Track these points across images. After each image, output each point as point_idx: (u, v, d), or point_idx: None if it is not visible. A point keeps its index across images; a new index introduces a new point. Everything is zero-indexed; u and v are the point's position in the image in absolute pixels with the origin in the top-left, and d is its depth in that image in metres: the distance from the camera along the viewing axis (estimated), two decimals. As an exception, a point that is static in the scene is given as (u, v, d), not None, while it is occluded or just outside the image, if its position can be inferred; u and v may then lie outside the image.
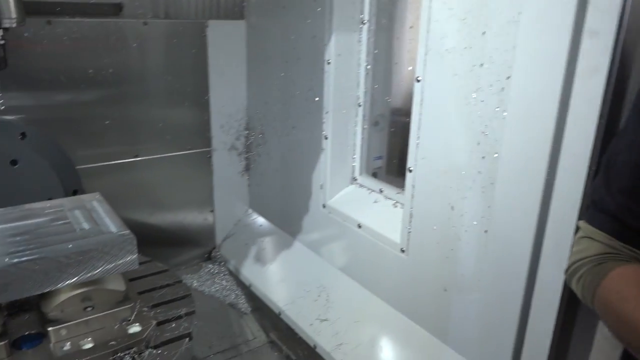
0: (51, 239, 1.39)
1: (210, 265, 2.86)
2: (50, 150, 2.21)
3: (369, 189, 2.23)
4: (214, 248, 2.92)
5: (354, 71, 2.14)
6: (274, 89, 2.50)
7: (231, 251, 2.86)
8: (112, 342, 1.35)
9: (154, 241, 2.67)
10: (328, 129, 2.17)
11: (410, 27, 2.11)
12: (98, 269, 1.37)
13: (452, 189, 1.60)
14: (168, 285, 1.70)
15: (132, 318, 1.45)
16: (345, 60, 2.10)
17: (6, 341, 1.28)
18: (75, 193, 2.30)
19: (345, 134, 2.20)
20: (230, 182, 2.85)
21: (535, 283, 1.42)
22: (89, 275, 1.36)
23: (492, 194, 1.46)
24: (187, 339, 1.46)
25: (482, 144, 1.47)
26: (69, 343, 1.34)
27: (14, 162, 2.07)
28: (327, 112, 2.16)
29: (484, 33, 1.41)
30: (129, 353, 1.35)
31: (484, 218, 1.50)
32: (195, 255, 2.88)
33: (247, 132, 2.79)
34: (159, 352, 1.39)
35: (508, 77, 1.36)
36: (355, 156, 2.26)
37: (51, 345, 1.33)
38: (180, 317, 1.54)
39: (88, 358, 1.30)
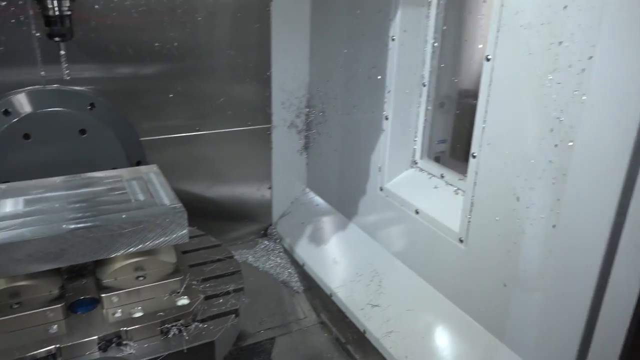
0: (107, 208, 1.43)
1: (266, 242, 2.88)
2: (117, 121, 2.27)
3: (429, 173, 2.13)
4: (270, 225, 2.93)
5: (420, 48, 2.02)
6: (336, 66, 2.44)
7: (287, 229, 2.85)
8: (161, 313, 1.37)
9: (211, 215, 2.72)
10: (389, 109, 2.09)
11: (484, 1, 1.97)
12: (149, 240, 1.38)
13: (518, 178, 1.47)
14: (219, 260, 1.71)
15: (181, 290, 1.46)
16: (411, 37, 1.99)
17: (63, 304, 1.33)
18: (138, 164, 2.36)
19: (407, 115, 2.11)
20: (288, 160, 2.83)
21: (607, 285, 1.29)
22: (140, 246, 1.38)
23: (563, 185, 1.33)
24: (234, 316, 1.46)
25: (555, 130, 1.34)
26: (120, 310, 1.37)
27: (82, 132, 2.14)
28: (389, 92, 2.07)
29: (565, 7, 1.27)
30: (176, 325, 1.36)
31: (553, 211, 1.37)
32: (251, 231, 2.90)
33: (307, 109, 2.75)
34: (205, 326, 1.40)
35: (590, 57, 1.22)
36: (416, 139, 2.16)
37: (104, 311, 1.37)
38: (228, 292, 1.54)
39: (137, 326, 1.32)
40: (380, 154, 2.19)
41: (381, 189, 2.22)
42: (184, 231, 1.43)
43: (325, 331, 2.44)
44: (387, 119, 2.10)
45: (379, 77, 2.10)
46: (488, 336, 1.69)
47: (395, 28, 1.97)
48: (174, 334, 1.35)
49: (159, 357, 1.28)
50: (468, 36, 2.03)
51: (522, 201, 1.47)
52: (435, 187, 2.06)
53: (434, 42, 2.00)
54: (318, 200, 2.83)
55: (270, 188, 2.85)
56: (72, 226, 1.30)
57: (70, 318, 1.34)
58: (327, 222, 2.68)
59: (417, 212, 2.01)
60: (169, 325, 1.35)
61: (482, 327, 1.72)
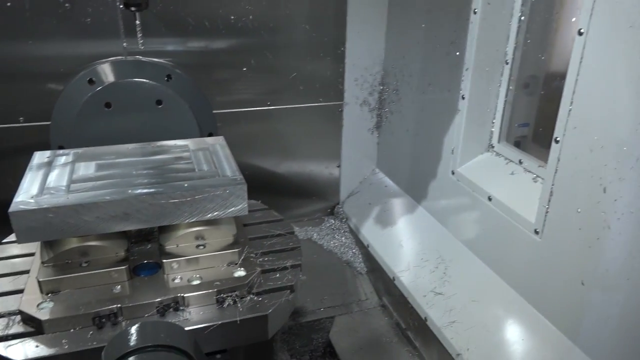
0: (172, 176, 1.45)
1: (332, 221, 2.85)
2: (192, 93, 2.32)
3: (506, 158, 1.99)
4: (337, 204, 2.90)
5: (505, 23, 1.87)
6: (413, 41, 2.32)
7: (354, 209, 2.81)
8: (217, 283, 1.38)
9: (279, 191, 2.73)
10: (466, 88, 1.96)
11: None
12: (209, 211, 1.40)
13: (607, 167, 1.32)
14: (280, 235, 1.70)
15: (239, 262, 1.47)
16: (495, 10, 1.84)
17: (127, 266, 1.38)
18: (209, 136, 2.40)
19: (485, 95, 1.97)
20: (359, 138, 2.77)
21: None
22: (199, 215, 1.40)
23: (660, 178, 1.17)
24: (289, 291, 1.45)
25: (655, 114, 1.18)
26: (179, 276, 1.40)
27: (159, 102, 2.21)
28: (467, 69, 1.94)
29: (678, -29, 1.10)
30: (231, 295, 1.37)
31: (645, 206, 1.22)
32: (318, 208, 2.89)
33: (381, 87, 2.67)
34: (260, 299, 1.40)
35: None
36: (494, 120, 2.02)
37: (165, 276, 1.41)
38: (285, 268, 1.53)
39: (194, 294, 1.35)
40: (454, 135, 2.07)
41: (453, 173, 2.11)
42: (243, 204, 1.43)
43: (385, 315, 2.39)
44: (463, 98, 1.98)
45: (457, 53, 1.97)
46: (559, 336, 1.56)
47: (478, 0, 1.83)
48: (229, 304, 1.36)
49: (212, 325, 1.29)
50: (560, 8, 1.84)
51: (609, 193, 1.32)
52: (512, 174, 1.92)
53: (521, 16, 1.84)
54: (387, 181, 2.75)
55: (339, 166, 2.81)
56: (137, 191, 1.34)
57: (133, 280, 1.39)
58: (394, 204, 2.60)
59: (489, 199, 1.89)
60: (225, 295, 1.37)
61: (553, 325, 1.59)
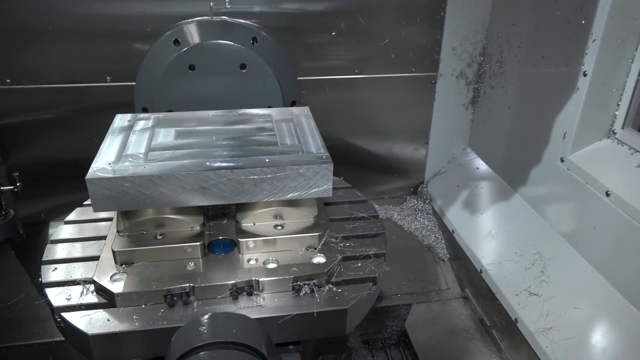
0: (252, 149, 1.34)
1: (415, 201, 2.67)
2: (277, 58, 2.20)
3: (630, 147, 1.70)
4: (421, 183, 2.71)
5: (647, -14, 1.56)
6: (526, 6, 2.04)
7: (439, 190, 2.61)
8: (294, 269, 1.27)
9: (360, 164, 2.58)
10: (590, 62, 1.68)
11: None
12: (290, 190, 1.28)
13: None
14: (363, 218, 1.56)
15: (319, 247, 1.35)
16: (638, -30, 1.54)
17: (202, 242, 1.30)
18: (293, 104, 2.29)
19: (613, 72, 1.68)
20: (451, 114, 2.53)
21: None
22: (280, 194, 1.28)
23: None
24: (371, 284, 1.31)
25: None
26: (255, 258, 1.31)
27: (243, 66, 2.11)
28: (593, 41, 1.65)
29: None
30: (308, 284, 1.26)
31: None
32: (400, 186, 2.71)
33: (482, 58, 2.40)
34: (339, 290, 1.28)
35: None
36: (620, 102, 1.73)
37: (240, 255, 1.32)
38: (368, 256, 1.39)
39: (270, 278, 1.25)
40: (568, 117, 1.81)
41: (562, 160, 1.85)
42: (328, 184, 1.29)
43: (468, 308, 2.21)
44: (585, 75, 1.70)
45: (583, 21, 1.68)
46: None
47: (617, -43, 1.53)
48: (305, 293, 1.25)
49: (287, 316, 1.19)
50: None
51: None
52: (638, 166, 1.64)
53: (670, -22, 1.52)
54: (479, 162, 2.51)
55: (426, 143, 2.60)
56: (216, 165, 1.24)
57: (207, 257, 1.32)
58: (486, 189, 2.37)
59: (607, 194, 1.63)
60: (302, 283, 1.26)
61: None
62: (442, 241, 2.46)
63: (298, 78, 2.28)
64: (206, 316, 0.94)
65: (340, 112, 2.45)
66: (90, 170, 1.21)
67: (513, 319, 1.84)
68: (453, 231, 2.34)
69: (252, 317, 1.18)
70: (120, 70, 2.17)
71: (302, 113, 1.60)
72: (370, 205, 1.64)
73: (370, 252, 1.41)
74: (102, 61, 2.14)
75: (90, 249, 1.39)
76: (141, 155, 1.28)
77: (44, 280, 1.29)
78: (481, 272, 2.07)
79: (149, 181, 1.20)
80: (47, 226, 2.40)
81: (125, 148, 1.32)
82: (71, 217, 1.53)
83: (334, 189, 1.70)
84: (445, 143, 2.61)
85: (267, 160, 1.27)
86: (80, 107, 2.23)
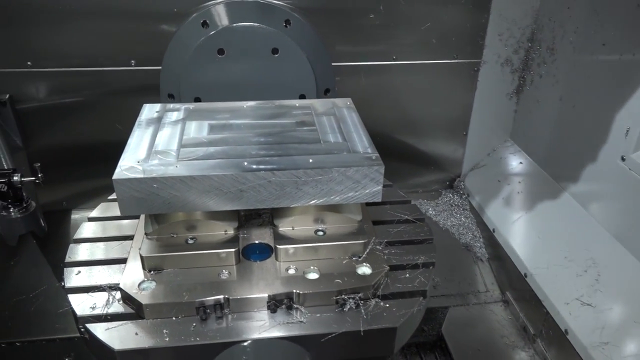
0: (294, 148, 1.22)
1: (451, 195, 2.53)
2: (310, 42, 2.05)
3: None
4: (458, 177, 2.56)
5: None
6: (584, -11, 1.86)
7: (478, 184, 2.46)
8: (338, 280, 1.15)
9: (393, 154, 2.43)
10: (664, 53, 1.51)
11: None
12: (336, 194, 1.15)
13: None
14: (408, 221, 1.43)
15: (363, 256, 1.23)
16: None
17: (237, 249, 1.19)
18: (326, 92, 2.15)
19: (690, 64, 1.51)
20: (494, 103, 2.37)
21: None
22: (324, 198, 1.16)
23: None
24: (422, 298, 1.19)
25: None
26: (294, 267, 1.19)
27: (275, 51, 1.97)
28: (670, 28, 1.48)
29: None
30: (353, 298, 1.14)
31: None
32: (436, 179, 2.56)
33: (530, 44, 2.22)
34: (387, 306, 1.16)
35: None
36: (696, 98, 1.56)
37: (278, 263, 1.21)
38: (417, 266, 1.27)
39: (311, 291, 1.13)
40: (632, 112, 1.64)
41: (623, 159, 1.69)
42: (378, 188, 1.17)
43: (509, 313, 2.08)
44: (657, 66, 1.53)
45: (658, 6, 1.51)
46: None
47: None
48: (350, 308, 1.14)
49: (330, 334, 1.08)
50: None
51: None
52: None
53: None
54: (522, 156, 2.36)
55: (465, 134, 2.45)
56: (255, 166, 1.12)
57: (242, 264, 1.21)
58: (531, 185, 2.22)
59: (678, 200, 1.47)
60: (346, 297, 1.14)
61: None
62: (481, 239, 2.32)
63: (332, 64, 2.14)
64: (247, 344, 0.83)
65: (375, 100, 2.30)
66: (117, 170, 1.09)
67: (563, 330, 1.70)
68: (494, 230, 2.20)
69: (292, 333, 1.07)
70: (145, 54, 2.05)
71: (344, 105, 1.47)
72: (414, 207, 1.51)
73: (419, 261, 1.28)
74: (126, 44, 2.02)
75: (116, 250, 1.29)
76: (172, 153, 1.17)
77: (67, 285, 1.19)
78: (526, 276, 1.94)
79: (182, 183, 1.08)
80: (69, 214, 2.32)
81: (155, 143, 1.21)
82: (95, 213, 1.43)
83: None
84: (485, 134, 2.45)
85: (310, 160, 1.15)
86: (103, 91, 2.12)
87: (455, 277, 2.21)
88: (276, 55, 1.97)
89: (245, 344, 0.85)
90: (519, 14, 2.17)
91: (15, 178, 1.59)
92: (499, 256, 2.16)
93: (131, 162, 1.12)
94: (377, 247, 1.27)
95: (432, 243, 1.36)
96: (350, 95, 2.24)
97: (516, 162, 2.36)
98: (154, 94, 2.08)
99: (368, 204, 1.50)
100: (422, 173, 2.55)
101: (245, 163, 1.12)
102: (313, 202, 1.16)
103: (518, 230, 2.10)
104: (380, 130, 2.39)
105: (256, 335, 1.05)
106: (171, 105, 1.42)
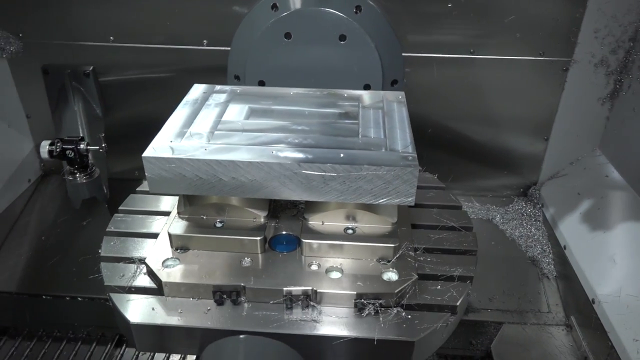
0: (329, 140, 1.17)
1: (523, 204, 2.34)
2: (380, 30, 1.97)
3: None
4: (534, 184, 2.36)
5: None
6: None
7: (555, 195, 2.25)
8: (360, 283, 1.10)
9: (463, 154, 2.29)
10: None
11: None
12: (364, 194, 1.09)
13: None
14: (453, 229, 1.33)
15: (392, 260, 1.15)
16: None
17: (262, 237, 1.17)
18: (393, 83, 2.06)
19: None
20: (582, 107, 2.14)
21: None
22: (352, 196, 1.10)
23: None
24: (449, 314, 1.10)
25: None
26: (317, 263, 1.15)
27: (342, 37, 1.92)
28: None
29: None
30: (374, 303, 1.08)
31: None
32: (508, 184, 2.38)
33: (631, 44, 1.97)
34: (409, 317, 1.08)
35: None
36: None
37: (302, 257, 1.17)
38: (451, 278, 1.17)
39: (330, 291, 1.09)
40: None
41: None
42: (410, 191, 1.08)
43: (570, 339, 1.89)
44: None
45: None
46: None
47: None
48: (369, 314, 1.08)
49: (343, 338, 1.03)
50: None
51: None
52: None
53: None
54: (610, 169, 2.11)
55: (546, 139, 2.24)
56: (283, 155, 1.08)
57: (267, 253, 1.19)
58: (615, 202, 1.98)
59: None
60: (366, 301, 1.08)
61: None
62: (550, 255, 2.13)
63: (403, 54, 2.04)
64: (239, 338, 0.81)
65: (448, 95, 2.17)
66: (149, 147, 1.11)
67: (627, 368, 1.52)
68: (565, 247, 2.01)
69: (303, 332, 1.04)
70: (216, 34, 2.09)
71: (395, 99, 1.38)
72: (464, 214, 1.40)
73: (455, 273, 1.18)
74: (200, 23, 2.07)
75: (155, 224, 1.33)
76: (205, 135, 1.16)
77: (102, 253, 1.24)
78: (593, 302, 1.74)
79: (207, 166, 1.08)
80: (139, 184, 2.45)
81: (191, 123, 1.21)
82: (143, 187, 1.48)
83: (424, 187, 1.50)
84: (569, 141, 2.23)
85: (342, 155, 1.09)
86: (177, 68, 2.20)
87: (515, 292, 2.04)
88: (343, 42, 1.91)
89: (241, 337, 0.83)
90: (621, 10, 1.93)
91: (82, 146, 1.70)
92: (568, 276, 1.97)
93: (164, 141, 1.14)
94: (410, 252, 1.19)
95: (474, 255, 1.25)
96: (420, 88, 2.14)
97: (601, 175, 2.13)
98: (222, 74, 2.12)
99: (414, 206, 1.42)
100: (494, 176, 2.38)
101: (273, 152, 1.09)
102: (340, 199, 1.11)
103: (591, 250, 1.89)
104: (451, 127, 2.26)
105: (267, 329, 1.03)
106: (218, 87, 1.42)
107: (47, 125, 2.30)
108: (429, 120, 2.23)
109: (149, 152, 1.09)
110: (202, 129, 1.19)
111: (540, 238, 2.19)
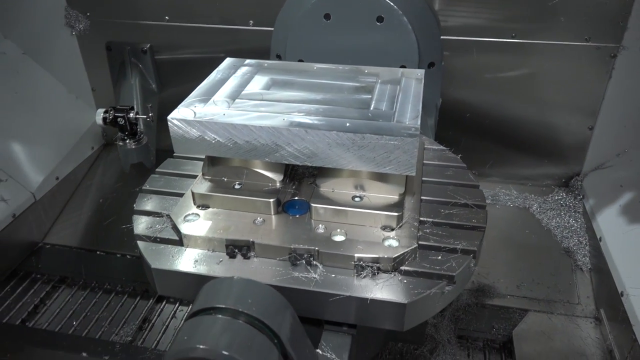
0: (339, 110, 1.23)
1: (563, 194, 2.28)
2: (419, 12, 1.98)
3: None
4: (577, 175, 2.30)
5: None
6: None
7: (597, 187, 2.18)
8: (360, 247, 1.16)
9: (503, 141, 2.28)
10: None
11: None
12: (367, 161, 1.14)
13: None
14: (465, 205, 1.35)
15: (396, 229, 1.21)
16: None
17: (275, 199, 1.25)
18: (430, 66, 2.07)
19: None
20: (631, 96, 2.07)
21: None
22: (355, 164, 1.16)
23: None
24: (445, 282, 1.14)
25: None
26: (324, 227, 1.22)
27: (380, 19, 1.95)
28: None
29: None
30: (371, 266, 1.14)
31: None
32: (549, 174, 2.33)
33: (686, 30, 1.87)
34: (405, 281, 1.13)
35: None
36: None
37: (311, 221, 1.25)
38: (454, 250, 1.20)
39: (331, 251, 1.16)
40: None
41: None
42: (411, 161, 1.13)
43: (598, 333, 1.85)
44: None
45: None
46: None
47: None
48: (366, 276, 1.14)
49: (337, 295, 1.10)
50: None
51: None
52: None
53: None
54: (658, 162, 2.03)
55: (591, 129, 2.18)
56: (292, 121, 1.16)
57: (279, 215, 1.27)
58: (658, 196, 1.91)
59: None
60: (364, 264, 1.14)
61: None
62: (586, 248, 2.08)
63: (442, 37, 2.05)
64: (233, 279, 0.91)
65: (488, 80, 2.16)
66: (174, 110, 1.23)
67: (647, 361, 1.48)
68: (600, 239, 1.96)
69: (303, 287, 1.12)
70: (262, 14, 2.18)
71: (413, 76, 1.42)
72: (480, 192, 1.42)
73: (458, 246, 1.21)
74: (247, 4, 2.17)
75: (185, 184, 1.45)
76: (227, 102, 1.26)
77: (136, 207, 1.38)
78: (622, 294, 1.70)
79: (224, 129, 1.17)
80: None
81: (217, 92, 1.32)
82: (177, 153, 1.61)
83: (444, 166, 1.53)
84: (616, 131, 2.15)
85: (347, 124, 1.15)
86: (226, 48, 2.32)
87: (546, 281, 2.02)
88: (380, 24, 1.95)
89: (235, 278, 0.92)
90: (677, -7, 1.84)
91: (132, 115, 1.86)
92: (602, 269, 1.92)
93: (189, 106, 1.24)
94: (415, 223, 1.24)
95: (482, 231, 1.27)
96: (458, 72, 2.14)
97: (649, 168, 2.04)
98: (267, 54, 2.22)
99: (429, 182, 1.45)
100: (534, 165, 2.34)
101: (284, 118, 1.17)
102: (344, 166, 1.17)
103: (627, 243, 1.84)
104: (491, 113, 2.24)
105: (271, 282, 1.11)
106: (248, 61, 1.51)
107: (110, 98, 2.51)
108: (468, 105, 2.23)
109: (173, 115, 1.21)
110: (225, 96, 1.29)
111: (578, 230, 2.14)
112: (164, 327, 2.09)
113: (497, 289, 2.00)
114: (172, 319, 2.13)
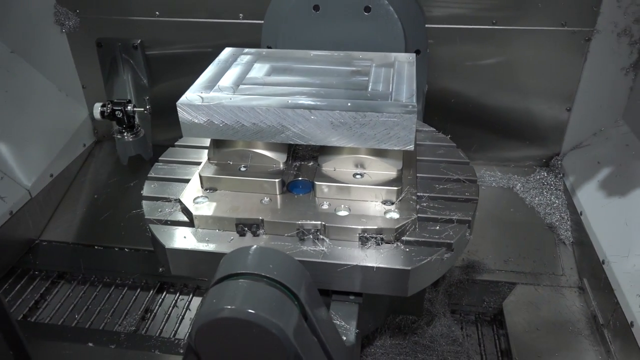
0: (339, 92, 1.30)
1: (545, 174, 2.40)
2: (404, 2, 2.07)
3: None
4: (556, 155, 2.41)
5: None
6: None
7: (576, 165, 2.30)
8: (364, 220, 1.23)
9: (486, 125, 2.38)
10: None
11: None
12: (368, 138, 1.22)
13: None
14: (458, 180, 1.44)
15: (396, 203, 1.28)
16: None
17: (280, 179, 1.32)
18: (417, 53, 2.15)
19: None
20: (605, 78, 2.18)
21: None
22: (357, 141, 1.23)
23: None
24: (444, 249, 1.22)
25: None
26: (328, 203, 1.29)
27: (367, 9, 2.03)
28: None
29: None
30: (375, 237, 1.21)
31: None
32: (530, 155, 2.44)
33: (655, 13, 1.99)
34: (407, 250, 1.21)
35: None
36: None
37: (315, 199, 1.32)
38: (450, 221, 1.29)
39: (337, 225, 1.23)
40: None
41: None
42: (409, 137, 1.21)
43: (582, 301, 1.96)
44: None
45: None
46: None
47: None
48: (371, 246, 1.21)
49: (345, 265, 1.17)
50: None
51: None
52: None
53: None
54: (633, 139, 2.15)
55: (569, 110, 2.29)
56: (296, 103, 1.23)
57: (284, 195, 1.34)
58: (633, 171, 2.03)
59: None
60: (368, 235, 1.21)
61: None
62: (568, 222, 2.19)
63: (426, 25, 2.13)
64: (252, 246, 0.97)
65: (471, 67, 2.26)
66: (182, 97, 1.28)
67: (629, 322, 1.59)
68: (581, 213, 2.07)
69: (313, 259, 1.19)
70: (252, 7, 2.24)
71: (406, 60, 1.50)
72: (470, 168, 1.50)
73: (454, 217, 1.30)
74: (236, -3, 2.22)
75: (189, 171, 1.50)
76: (232, 87, 1.32)
77: (144, 194, 1.43)
78: (603, 262, 1.82)
79: (231, 112, 1.23)
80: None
81: (220, 79, 1.37)
82: (180, 142, 1.66)
83: (435, 145, 1.62)
84: (592, 112, 2.27)
85: (349, 104, 1.22)
86: (216, 43, 2.36)
87: (531, 255, 2.13)
88: (367, 14, 2.02)
89: (254, 246, 0.98)
90: (645, -22, 1.95)
91: (129, 107, 1.90)
92: (583, 242, 2.03)
93: (196, 93, 1.30)
94: (413, 197, 1.32)
95: (475, 203, 1.36)
96: (443, 60, 2.23)
97: (623, 146, 2.16)
98: (257, 46, 2.28)
99: (423, 160, 1.53)
100: (516, 147, 2.45)
101: (289, 101, 1.24)
102: (347, 143, 1.24)
103: (605, 215, 1.95)
104: (474, 98, 2.34)
105: (281, 256, 1.18)
106: (247, 50, 1.57)
107: (100, 94, 2.54)
108: (452, 90, 2.32)
109: (182, 101, 1.26)
110: (229, 83, 1.35)
111: (560, 206, 2.25)
112: (166, 315, 2.13)
113: (486, 264, 2.09)
114: (173, 307, 2.18)
